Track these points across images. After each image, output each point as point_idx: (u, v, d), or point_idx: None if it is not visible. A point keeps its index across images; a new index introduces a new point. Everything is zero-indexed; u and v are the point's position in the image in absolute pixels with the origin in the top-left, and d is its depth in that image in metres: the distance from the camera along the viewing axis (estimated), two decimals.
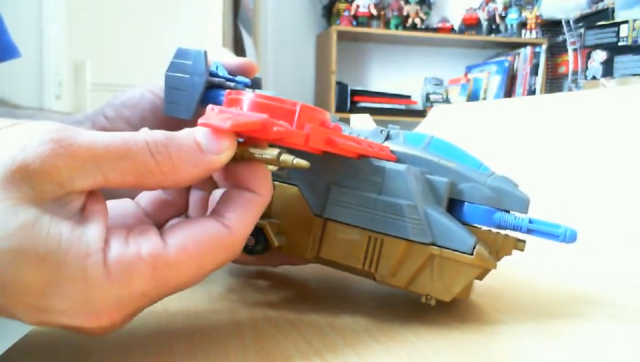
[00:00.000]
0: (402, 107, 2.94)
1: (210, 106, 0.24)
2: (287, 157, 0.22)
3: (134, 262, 0.19)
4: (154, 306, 0.28)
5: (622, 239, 0.49)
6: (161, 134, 0.21)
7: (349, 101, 2.80)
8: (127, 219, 0.25)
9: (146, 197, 0.26)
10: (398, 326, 0.26)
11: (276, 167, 0.23)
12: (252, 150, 0.22)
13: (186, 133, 0.21)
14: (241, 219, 0.22)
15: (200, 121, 0.22)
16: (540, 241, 0.28)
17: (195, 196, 0.27)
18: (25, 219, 0.18)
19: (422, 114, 2.73)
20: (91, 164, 0.19)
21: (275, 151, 0.22)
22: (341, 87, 2.79)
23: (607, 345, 0.25)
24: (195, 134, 0.21)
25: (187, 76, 0.29)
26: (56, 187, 0.19)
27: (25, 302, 0.18)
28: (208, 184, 0.26)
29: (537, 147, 0.71)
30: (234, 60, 0.33)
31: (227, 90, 0.27)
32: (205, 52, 0.29)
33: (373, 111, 2.16)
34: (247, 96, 0.24)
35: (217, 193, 0.25)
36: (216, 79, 0.30)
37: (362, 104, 2.81)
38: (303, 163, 0.22)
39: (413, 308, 0.29)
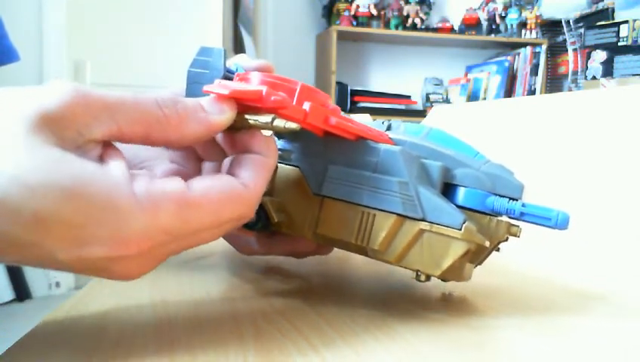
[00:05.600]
0: (402, 107, 2.94)
1: (217, 80, 0.26)
2: (279, 122, 0.24)
3: (160, 196, 0.21)
4: (153, 305, 0.28)
5: (621, 238, 0.49)
6: (168, 94, 0.23)
7: (349, 101, 2.80)
8: None
9: (162, 168, 0.28)
10: (397, 325, 0.26)
11: (271, 132, 0.25)
12: (248, 116, 0.24)
13: (191, 98, 0.24)
14: (254, 178, 0.24)
15: (204, 88, 0.24)
16: (539, 239, 0.28)
17: (207, 167, 0.29)
18: (52, 156, 0.19)
19: (422, 114, 2.73)
20: (106, 113, 0.21)
21: (269, 117, 0.24)
22: (341, 87, 2.79)
23: (604, 342, 0.25)
24: (199, 99, 0.24)
25: (207, 71, 0.31)
26: (76, 134, 0.20)
27: (62, 234, 0.20)
28: (218, 154, 0.28)
29: (537, 147, 0.71)
30: (253, 62, 0.36)
31: (236, 72, 0.28)
32: (225, 50, 0.31)
33: (373, 111, 2.17)
34: (254, 75, 0.26)
35: (228, 162, 0.26)
36: (233, 75, 0.31)
37: (362, 104, 2.81)
38: (294, 125, 0.24)
39: (411, 307, 0.29)
